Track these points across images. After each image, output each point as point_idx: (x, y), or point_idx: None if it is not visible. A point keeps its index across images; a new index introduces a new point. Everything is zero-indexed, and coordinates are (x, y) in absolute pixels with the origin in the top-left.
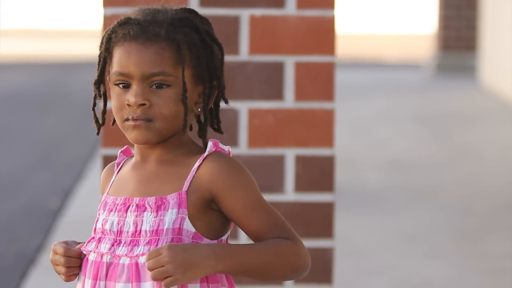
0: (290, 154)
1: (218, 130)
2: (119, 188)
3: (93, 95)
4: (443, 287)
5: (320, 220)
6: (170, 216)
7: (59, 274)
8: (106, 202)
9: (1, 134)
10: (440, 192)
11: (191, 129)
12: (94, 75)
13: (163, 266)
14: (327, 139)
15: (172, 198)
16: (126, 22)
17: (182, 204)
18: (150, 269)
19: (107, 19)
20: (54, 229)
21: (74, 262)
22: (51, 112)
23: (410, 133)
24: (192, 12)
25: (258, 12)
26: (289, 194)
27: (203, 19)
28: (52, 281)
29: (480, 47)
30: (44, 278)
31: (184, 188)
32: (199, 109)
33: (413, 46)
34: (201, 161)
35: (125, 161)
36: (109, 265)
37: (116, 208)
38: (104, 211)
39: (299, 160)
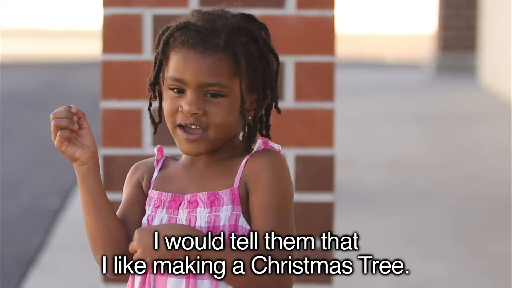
0: (290, 154)
1: (267, 136)
2: (165, 184)
3: (149, 96)
4: (443, 287)
5: (320, 220)
6: (225, 213)
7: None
8: (150, 197)
9: (1, 134)
10: (440, 192)
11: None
12: (150, 76)
13: (136, 251)
14: (327, 139)
15: (225, 194)
16: (185, 27)
17: (236, 201)
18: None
19: (107, 19)
20: (54, 229)
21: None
22: (51, 112)
23: (410, 133)
24: (251, 18)
25: (258, 12)
26: None
27: (261, 26)
28: (52, 281)
29: (480, 47)
30: (44, 278)
31: (235, 184)
32: (250, 117)
33: (413, 46)
34: (248, 157)
35: (165, 160)
36: None
37: (164, 205)
38: (149, 206)
39: (299, 160)
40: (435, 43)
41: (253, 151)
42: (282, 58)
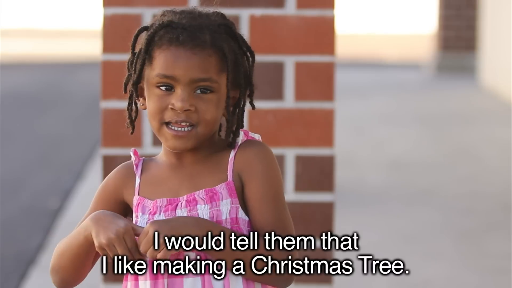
0: (290, 154)
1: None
2: (155, 189)
3: (129, 95)
4: (443, 287)
5: (320, 220)
6: (225, 207)
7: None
8: (143, 205)
9: (1, 134)
10: (440, 192)
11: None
12: (132, 76)
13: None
14: (327, 139)
15: (222, 189)
16: (168, 25)
17: (233, 194)
18: (145, 251)
19: (107, 19)
20: (54, 229)
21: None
22: (51, 112)
23: (410, 133)
24: (224, 16)
25: (258, 12)
26: (289, 194)
27: (232, 24)
28: None
29: (480, 47)
30: (44, 278)
31: (229, 178)
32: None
33: (413, 46)
34: (236, 150)
35: (143, 162)
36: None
37: (160, 210)
38: (143, 214)
39: (299, 160)
40: (435, 43)
41: (238, 144)
42: (282, 58)
